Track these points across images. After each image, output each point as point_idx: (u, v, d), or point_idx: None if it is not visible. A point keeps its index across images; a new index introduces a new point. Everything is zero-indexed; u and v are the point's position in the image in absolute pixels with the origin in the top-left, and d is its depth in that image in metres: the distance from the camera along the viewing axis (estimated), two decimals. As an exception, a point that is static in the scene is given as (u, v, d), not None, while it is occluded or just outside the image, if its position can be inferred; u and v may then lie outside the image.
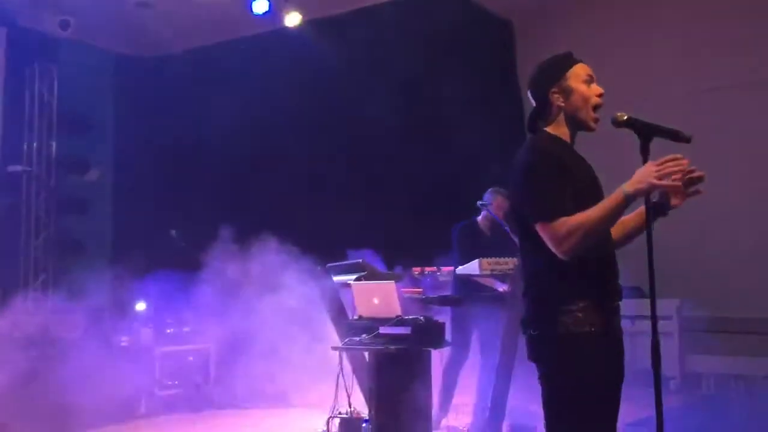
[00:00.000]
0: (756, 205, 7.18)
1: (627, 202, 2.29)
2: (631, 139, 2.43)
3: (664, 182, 2.26)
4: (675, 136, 2.39)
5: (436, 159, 7.89)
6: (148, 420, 6.22)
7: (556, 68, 2.55)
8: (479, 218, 5.92)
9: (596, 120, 2.52)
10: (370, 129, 8.28)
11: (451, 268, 5.89)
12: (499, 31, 8.78)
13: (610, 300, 2.44)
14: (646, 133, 2.38)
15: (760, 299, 6.92)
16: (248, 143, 9.12)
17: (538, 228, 2.36)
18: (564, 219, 2.30)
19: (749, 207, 7.19)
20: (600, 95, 2.52)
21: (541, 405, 2.45)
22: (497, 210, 5.76)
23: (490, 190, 5.88)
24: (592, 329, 2.35)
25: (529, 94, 2.62)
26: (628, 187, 2.28)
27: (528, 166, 2.44)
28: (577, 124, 2.53)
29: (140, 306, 6.99)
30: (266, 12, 8.20)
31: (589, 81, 2.53)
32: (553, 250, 2.33)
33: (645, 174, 2.26)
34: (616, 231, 2.53)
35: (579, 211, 2.33)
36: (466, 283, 5.65)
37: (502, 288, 5.50)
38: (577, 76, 2.52)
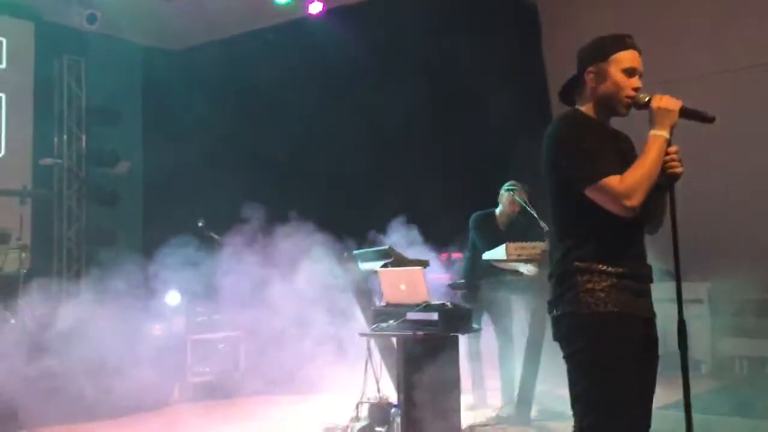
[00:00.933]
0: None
1: (667, 144, 2.35)
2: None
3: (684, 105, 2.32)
4: (699, 117, 2.39)
5: (461, 144, 7.88)
6: (181, 406, 6.32)
7: (602, 49, 2.50)
8: (500, 208, 5.87)
9: (627, 106, 2.48)
10: (395, 113, 8.28)
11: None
12: (523, 15, 8.69)
13: (635, 281, 2.43)
14: None
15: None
16: (276, 132, 9.19)
17: (590, 191, 2.34)
18: (617, 176, 2.31)
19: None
20: (635, 89, 2.46)
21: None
22: (510, 206, 5.76)
23: (505, 185, 5.86)
24: (615, 309, 2.35)
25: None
26: (661, 130, 2.34)
27: (562, 137, 2.45)
28: (607, 109, 2.52)
29: (173, 297, 7.09)
30: (289, 1, 8.22)
31: (631, 72, 2.46)
32: (614, 208, 2.32)
33: (666, 109, 2.35)
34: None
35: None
36: (478, 269, 5.69)
37: (524, 269, 5.49)
38: (620, 62, 2.46)
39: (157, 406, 6.15)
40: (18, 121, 9.22)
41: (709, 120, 2.37)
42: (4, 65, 9.14)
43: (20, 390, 5.38)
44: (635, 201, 2.30)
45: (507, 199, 5.83)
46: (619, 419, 2.33)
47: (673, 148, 2.38)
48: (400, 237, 6.28)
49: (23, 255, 7.29)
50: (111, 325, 6.42)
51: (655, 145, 2.35)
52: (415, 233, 6.49)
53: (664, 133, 2.35)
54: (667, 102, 2.37)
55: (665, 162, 2.37)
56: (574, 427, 2.43)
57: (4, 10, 8.82)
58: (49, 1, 8.83)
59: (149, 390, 6.02)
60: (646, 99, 2.39)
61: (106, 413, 5.66)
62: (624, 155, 2.50)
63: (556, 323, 2.48)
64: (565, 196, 2.46)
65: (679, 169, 2.38)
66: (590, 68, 2.50)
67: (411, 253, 5.62)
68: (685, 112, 2.37)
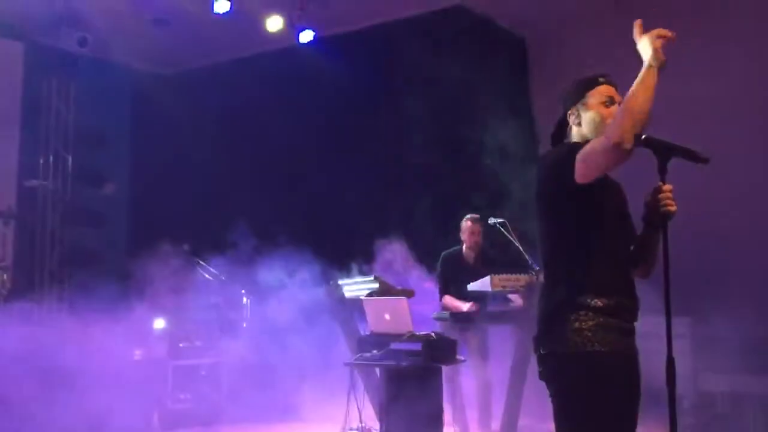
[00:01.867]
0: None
1: (657, 72, 2.31)
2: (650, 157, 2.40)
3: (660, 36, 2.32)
4: (693, 157, 2.38)
5: (444, 177, 7.91)
6: (160, 434, 6.25)
7: (578, 89, 2.59)
8: (463, 246, 5.89)
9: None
10: (385, 142, 8.34)
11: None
12: (512, 48, 8.81)
13: (623, 320, 2.43)
14: (663, 152, 2.37)
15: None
16: (264, 158, 9.20)
17: (579, 164, 2.31)
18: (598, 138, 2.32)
19: (765, 223, 7.14)
20: None
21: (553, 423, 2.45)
22: (471, 236, 5.78)
23: (465, 217, 5.88)
24: (602, 349, 2.34)
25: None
26: (651, 60, 2.31)
27: (552, 161, 2.48)
28: None
29: (158, 323, 7.03)
30: (280, 29, 8.29)
31: (609, 102, 2.52)
32: (611, 155, 2.25)
33: (647, 43, 2.34)
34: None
35: (590, 229, 2.40)
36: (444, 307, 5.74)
37: (465, 308, 5.52)
38: (596, 96, 2.54)
39: (137, 433, 6.07)
40: (3, 142, 9.16)
41: (703, 160, 2.37)
42: (-9, 85, 9.11)
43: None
44: (622, 135, 2.20)
45: (465, 228, 5.83)
46: None
47: (667, 187, 2.38)
48: (388, 264, 6.30)
49: (4, 276, 7.22)
50: (91, 348, 6.34)
51: (646, 74, 2.30)
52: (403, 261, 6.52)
53: (653, 62, 2.31)
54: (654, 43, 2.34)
55: (660, 200, 2.36)
56: None
57: (-7, 30, 8.83)
58: (39, 22, 8.83)
59: (130, 416, 5.94)
60: (642, 137, 2.33)
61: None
62: (616, 194, 2.55)
63: (543, 362, 2.47)
64: (554, 226, 2.48)
65: (673, 208, 2.37)
66: (571, 110, 2.58)
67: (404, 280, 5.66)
68: (677, 151, 2.37)
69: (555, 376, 2.42)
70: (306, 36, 8.44)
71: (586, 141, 2.49)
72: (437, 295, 5.98)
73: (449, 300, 5.68)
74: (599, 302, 2.36)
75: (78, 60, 9.52)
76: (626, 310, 2.44)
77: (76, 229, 9.49)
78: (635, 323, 2.50)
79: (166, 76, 10.51)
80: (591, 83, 2.58)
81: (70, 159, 9.71)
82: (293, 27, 8.34)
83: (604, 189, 2.45)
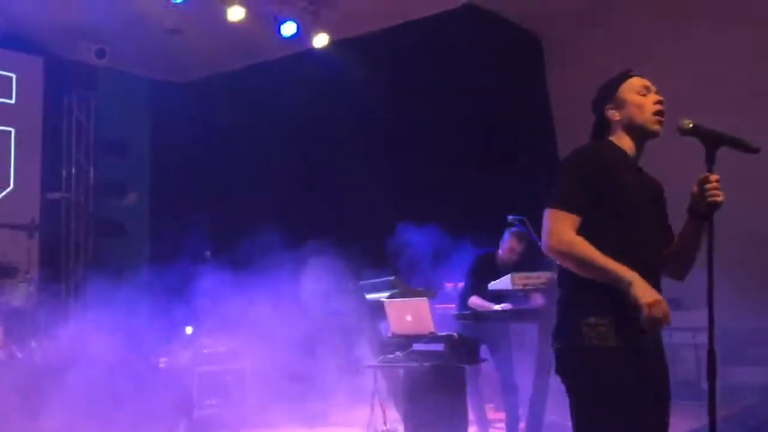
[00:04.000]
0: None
1: (619, 286, 2.25)
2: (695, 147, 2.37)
3: (651, 313, 2.22)
4: (742, 146, 2.34)
5: (465, 181, 7.88)
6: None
7: (610, 86, 2.59)
8: (501, 251, 5.85)
9: (659, 122, 2.50)
10: (402, 145, 8.33)
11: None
12: (528, 49, 8.76)
13: (637, 320, 2.34)
14: (712, 141, 2.32)
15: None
16: (283, 163, 9.24)
17: (546, 212, 2.40)
18: (572, 220, 2.35)
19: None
20: (659, 102, 2.51)
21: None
22: (509, 253, 5.72)
23: (509, 229, 5.82)
24: (618, 345, 2.31)
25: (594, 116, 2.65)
26: (633, 287, 2.23)
27: (562, 165, 2.51)
28: (638, 132, 2.52)
29: (188, 330, 7.08)
30: (294, 34, 8.32)
31: (645, 91, 2.52)
32: (543, 238, 2.39)
33: (647, 296, 2.23)
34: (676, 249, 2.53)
35: (612, 220, 2.37)
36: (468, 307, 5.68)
37: (496, 307, 5.47)
38: (631, 88, 2.54)
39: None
40: (27, 156, 9.31)
41: (754, 150, 2.33)
42: (13, 100, 9.25)
43: (19, 425, 5.35)
44: (551, 246, 2.35)
45: (507, 241, 5.73)
46: None
47: (714, 177, 2.33)
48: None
49: (30, 288, 7.31)
50: (117, 357, 6.41)
51: (616, 270, 2.27)
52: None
53: (630, 290, 2.24)
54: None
55: (706, 191, 2.33)
56: None
57: (14, 45, 8.96)
58: (58, 36, 8.96)
59: (155, 424, 5.98)
60: (690, 125, 2.33)
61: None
62: (648, 190, 2.53)
63: (558, 357, 2.46)
64: None
65: (720, 198, 2.33)
66: (608, 105, 2.56)
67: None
68: (726, 141, 2.32)
69: (569, 371, 2.41)
70: (320, 40, 8.47)
71: (633, 129, 2.50)
72: (458, 295, 5.94)
73: (478, 300, 5.61)
74: (613, 297, 2.30)
75: (97, 72, 9.64)
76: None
77: (99, 240, 9.59)
78: None
79: (183, 84, 10.61)
80: (621, 77, 2.58)
81: (92, 170, 9.83)
82: (307, 32, 8.37)
83: (614, 183, 2.41)
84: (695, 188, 2.38)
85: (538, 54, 8.78)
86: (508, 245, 5.71)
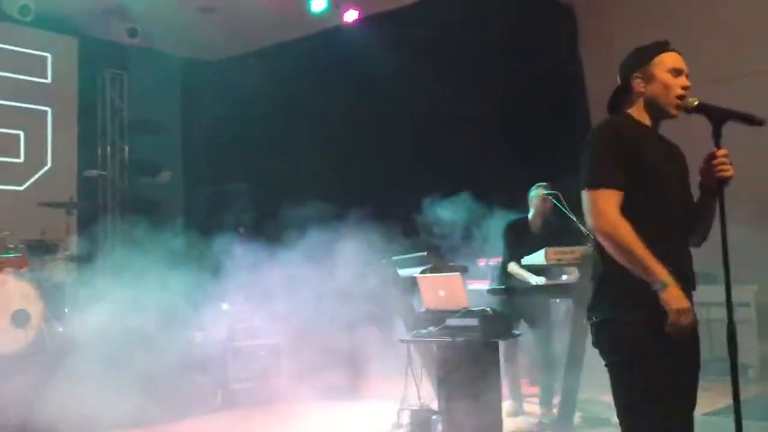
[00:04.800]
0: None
1: (652, 285, 2.26)
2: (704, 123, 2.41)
3: (678, 321, 2.24)
4: (748, 120, 2.38)
5: (498, 151, 7.82)
6: (225, 413, 6.40)
7: (644, 54, 2.54)
8: (532, 212, 5.80)
9: (678, 107, 2.48)
10: (435, 119, 8.29)
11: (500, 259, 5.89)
12: (561, 18, 8.62)
13: (679, 286, 2.34)
14: (718, 117, 2.37)
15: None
16: (313, 139, 9.26)
17: (583, 194, 2.39)
18: (616, 196, 2.33)
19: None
20: (684, 88, 2.48)
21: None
22: (542, 204, 5.68)
23: (534, 187, 5.80)
24: (653, 316, 2.28)
25: (618, 76, 2.61)
26: (667, 291, 2.24)
27: (591, 138, 2.47)
28: (657, 111, 2.51)
29: (224, 305, 7.19)
30: (324, 10, 8.29)
31: (677, 73, 2.49)
32: (588, 218, 2.37)
33: (678, 303, 2.25)
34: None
35: (643, 194, 2.36)
36: (509, 276, 5.64)
37: (534, 281, 5.44)
38: (663, 64, 2.49)
39: (203, 412, 6.23)
40: (63, 135, 9.47)
41: (758, 123, 2.36)
42: (49, 80, 9.40)
43: (61, 398, 5.49)
44: (597, 226, 2.35)
45: (537, 198, 5.74)
46: (664, 429, 2.30)
47: (722, 151, 2.36)
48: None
49: (69, 265, 7.47)
50: (153, 332, 6.54)
51: (652, 267, 2.27)
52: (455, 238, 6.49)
53: (663, 292, 2.25)
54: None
55: (714, 165, 2.36)
56: None
57: (48, 26, 9.07)
58: (91, 16, 9.05)
59: (194, 396, 6.10)
60: (695, 103, 2.41)
61: (152, 419, 5.75)
62: (674, 161, 2.52)
63: (596, 330, 2.45)
64: None
65: (729, 173, 2.36)
66: (636, 74, 2.52)
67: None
68: (731, 115, 2.36)
69: (608, 344, 2.40)
70: (350, 15, 8.43)
71: (653, 107, 2.49)
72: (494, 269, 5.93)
73: (516, 268, 5.58)
74: None
75: (129, 51, 9.74)
76: (681, 277, 2.35)
77: (134, 217, 9.75)
78: (693, 292, 2.43)
79: (214, 62, 10.66)
80: (658, 47, 2.53)
81: (126, 148, 9.96)
82: (336, 7, 8.33)
83: (644, 156, 2.40)
84: (703, 164, 2.41)
85: (571, 23, 8.64)
86: (539, 199, 5.66)
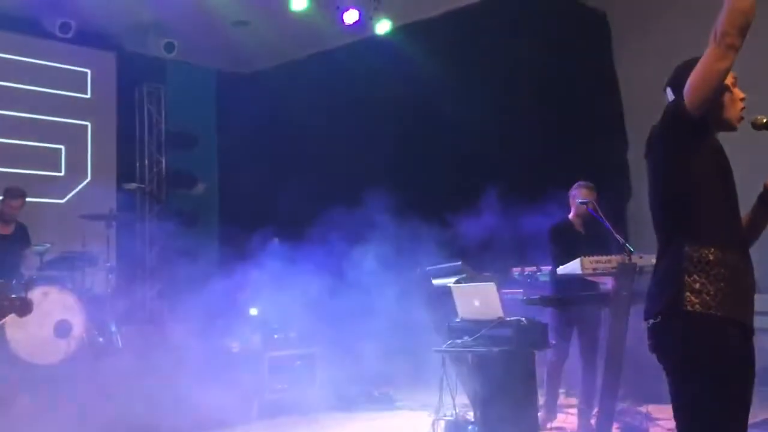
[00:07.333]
0: None
1: None
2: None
3: None
4: None
5: (530, 160, 7.77)
6: (261, 422, 6.44)
7: None
8: (573, 211, 5.76)
9: (741, 119, 2.43)
10: (467, 130, 8.27)
11: (550, 267, 5.80)
12: (595, 24, 8.56)
13: (747, 284, 2.29)
14: None
15: None
16: (348, 151, 9.30)
17: (689, 87, 2.25)
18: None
19: None
20: (742, 99, 2.43)
21: (649, 405, 2.39)
22: (583, 196, 5.60)
23: (576, 184, 5.74)
24: (722, 314, 2.19)
25: (668, 91, 2.48)
26: None
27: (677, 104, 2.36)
28: (719, 124, 2.41)
29: (253, 311, 7.27)
30: (356, 22, 8.35)
31: (734, 84, 2.43)
32: (721, 60, 2.20)
33: None
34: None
35: (722, 182, 2.32)
36: (567, 282, 5.53)
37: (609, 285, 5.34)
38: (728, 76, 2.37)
39: (239, 422, 6.28)
40: (103, 148, 9.68)
41: None
42: (89, 95, 9.61)
43: (107, 407, 5.59)
44: (735, 35, 2.21)
45: (579, 195, 5.63)
46: None
47: None
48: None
49: (110, 276, 7.61)
50: (192, 342, 6.62)
51: None
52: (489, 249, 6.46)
53: None
54: None
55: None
56: None
57: (88, 42, 9.29)
58: (129, 32, 9.25)
59: (230, 406, 6.17)
60: (765, 120, 2.41)
61: (189, 428, 5.81)
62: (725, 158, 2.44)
63: (655, 331, 2.31)
64: (673, 171, 2.34)
65: None
66: None
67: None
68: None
69: (671, 344, 2.26)
70: (382, 27, 8.48)
71: (719, 120, 2.39)
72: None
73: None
74: (726, 255, 2.23)
75: (165, 65, 9.92)
76: (750, 273, 2.29)
77: (172, 229, 9.89)
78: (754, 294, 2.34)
79: (248, 75, 10.80)
80: None
81: (163, 161, 10.13)
82: (369, 19, 8.39)
83: (711, 141, 2.36)
84: None
85: (605, 29, 8.58)
86: (581, 197, 5.59)
